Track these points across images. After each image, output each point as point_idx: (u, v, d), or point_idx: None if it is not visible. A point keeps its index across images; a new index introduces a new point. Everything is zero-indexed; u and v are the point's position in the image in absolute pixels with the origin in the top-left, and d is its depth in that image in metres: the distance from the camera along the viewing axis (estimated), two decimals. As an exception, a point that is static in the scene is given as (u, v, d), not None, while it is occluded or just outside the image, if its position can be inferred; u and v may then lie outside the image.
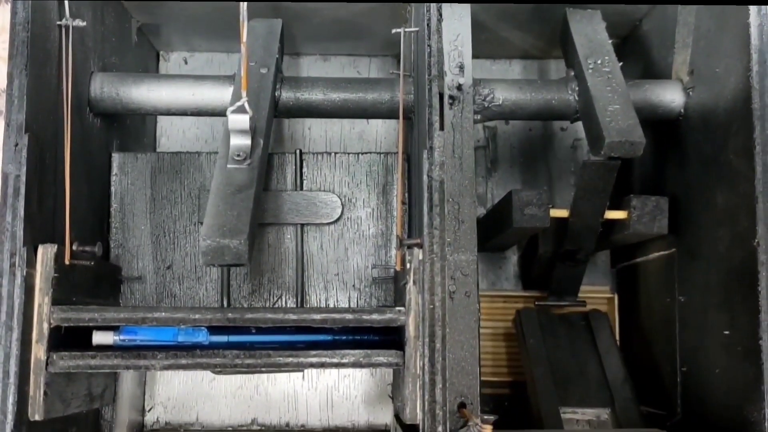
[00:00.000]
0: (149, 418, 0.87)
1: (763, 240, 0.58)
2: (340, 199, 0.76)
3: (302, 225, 0.76)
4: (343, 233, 0.76)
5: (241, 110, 0.60)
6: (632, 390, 0.73)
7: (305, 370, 0.90)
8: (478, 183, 0.93)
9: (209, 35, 0.85)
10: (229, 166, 0.61)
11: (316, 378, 0.90)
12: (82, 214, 0.69)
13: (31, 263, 0.57)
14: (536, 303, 0.82)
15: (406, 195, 0.74)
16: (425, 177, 0.59)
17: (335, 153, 0.77)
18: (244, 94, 0.60)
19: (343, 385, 0.87)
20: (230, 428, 0.87)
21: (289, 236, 0.76)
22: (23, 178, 0.57)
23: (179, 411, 0.89)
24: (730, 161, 0.63)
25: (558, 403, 0.71)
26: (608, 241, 0.76)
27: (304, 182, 0.76)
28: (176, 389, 0.89)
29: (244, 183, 0.60)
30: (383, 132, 0.92)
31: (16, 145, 0.57)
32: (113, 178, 0.76)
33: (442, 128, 0.60)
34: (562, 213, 0.73)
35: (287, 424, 0.88)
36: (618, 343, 0.82)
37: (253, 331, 0.64)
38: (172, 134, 0.90)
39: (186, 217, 0.76)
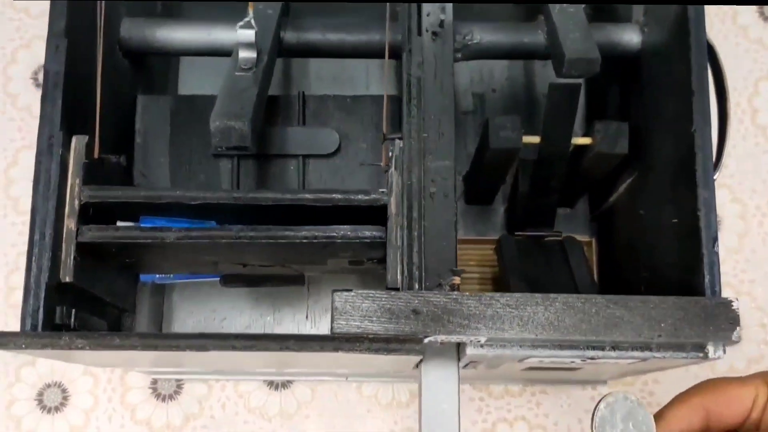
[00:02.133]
0: (165, 355, 0.95)
1: (699, 126, 0.67)
2: (339, 134, 0.85)
3: (304, 156, 0.85)
4: (341, 165, 0.85)
5: (248, 25, 0.71)
6: (597, 292, 0.80)
7: (308, 311, 0.98)
8: (467, 145, 1.02)
9: (231, 12, 0.95)
10: (236, 73, 0.71)
11: (318, 320, 0.98)
12: (111, 142, 0.78)
13: (66, 146, 0.67)
14: (515, 233, 0.89)
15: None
16: (404, 75, 0.69)
17: (334, 95, 0.87)
18: (250, 12, 0.70)
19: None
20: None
21: (292, 167, 0.85)
22: (62, 75, 0.67)
23: (193, 349, 0.96)
24: (673, 72, 0.72)
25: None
26: (579, 172, 0.84)
27: (307, 120, 0.86)
28: (190, 328, 0.97)
29: (248, 85, 0.70)
30: (376, 76, 1.02)
31: (57, 47, 0.67)
32: (138, 117, 0.86)
33: (419, 34, 0.70)
34: (534, 139, 0.82)
35: (291, 360, 0.95)
36: (593, 270, 0.90)
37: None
38: (192, 81, 1.00)
39: (200, 151, 0.86)
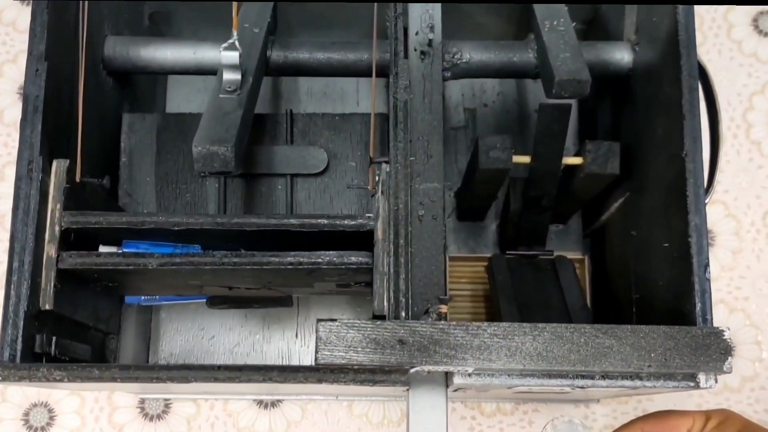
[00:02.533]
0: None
1: (689, 150, 0.66)
2: (327, 153, 0.84)
3: (292, 176, 0.84)
4: (329, 184, 0.84)
5: (232, 47, 0.69)
6: (589, 315, 0.79)
7: (297, 329, 0.97)
8: (457, 161, 1.01)
9: (217, 27, 0.94)
10: (220, 96, 0.70)
11: (308, 337, 0.97)
12: (95, 163, 0.77)
13: (46, 172, 0.66)
14: (507, 253, 0.88)
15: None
16: (391, 98, 0.68)
17: (322, 113, 0.86)
18: (234, 33, 0.69)
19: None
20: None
21: (280, 186, 0.84)
22: (42, 99, 0.66)
23: (180, 366, 0.95)
24: (664, 93, 0.71)
25: (521, 325, 0.77)
26: (571, 191, 0.83)
27: (295, 138, 0.85)
28: (178, 346, 0.96)
29: (233, 108, 0.69)
30: (366, 92, 1.01)
31: (37, 70, 0.66)
32: (123, 136, 0.85)
33: (406, 57, 0.69)
34: (524, 159, 0.81)
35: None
36: (584, 290, 0.89)
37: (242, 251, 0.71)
38: (179, 100, 0.99)
39: (186, 170, 0.84)
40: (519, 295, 0.82)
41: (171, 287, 0.77)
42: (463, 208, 0.96)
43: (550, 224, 0.89)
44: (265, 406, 0.98)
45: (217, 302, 0.84)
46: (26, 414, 0.97)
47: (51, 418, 0.97)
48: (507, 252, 0.90)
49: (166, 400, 0.98)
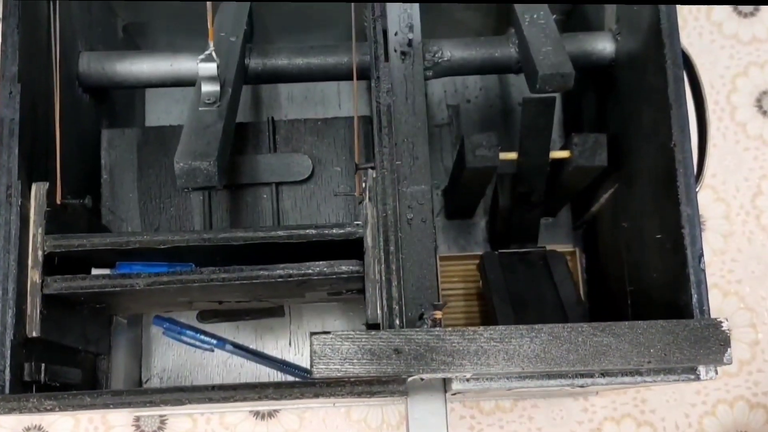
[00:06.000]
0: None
1: (678, 141, 0.65)
2: (311, 159, 0.83)
3: (277, 184, 0.82)
4: (315, 191, 0.83)
5: (209, 58, 0.68)
6: (585, 311, 0.79)
7: (290, 337, 0.96)
8: (443, 158, 1.00)
9: (193, 36, 0.92)
10: (200, 108, 0.69)
11: (302, 345, 0.96)
12: (75, 182, 0.76)
13: (25, 196, 0.64)
14: (499, 251, 0.88)
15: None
16: (374, 102, 0.66)
17: (305, 119, 0.84)
18: (211, 44, 0.68)
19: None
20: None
21: (265, 195, 0.83)
22: (17, 121, 0.64)
23: (174, 381, 0.94)
24: (649, 82, 0.70)
25: (516, 324, 0.76)
26: (559, 185, 0.83)
27: (278, 146, 0.83)
28: (171, 361, 0.95)
29: (213, 120, 0.68)
30: (348, 94, 0.99)
31: (11, 93, 0.65)
32: (103, 152, 0.84)
33: (386, 59, 0.68)
34: (511, 156, 0.80)
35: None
36: (578, 284, 0.89)
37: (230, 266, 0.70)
38: (158, 112, 0.98)
39: (169, 184, 0.83)
40: (512, 292, 0.81)
41: (160, 305, 0.76)
42: (451, 206, 0.95)
43: (540, 219, 0.88)
44: (262, 417, 0.97)
45: (207, 316, 0.83)
46: (20, 438, 0.95)
47: (45, 441, 0.95)
48: (499, 250, 0.89)
49: (161, 416, 0.96)
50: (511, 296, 0.80)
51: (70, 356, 0.70)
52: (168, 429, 0.96)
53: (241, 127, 0.82)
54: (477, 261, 0.92)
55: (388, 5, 0.71)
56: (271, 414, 0.97)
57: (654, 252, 0.70)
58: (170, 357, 0.95)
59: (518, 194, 0.83)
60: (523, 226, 0.86)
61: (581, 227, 0.95)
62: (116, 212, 0.82)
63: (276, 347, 0.96)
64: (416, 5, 0.71)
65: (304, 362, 0.96)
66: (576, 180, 0.81)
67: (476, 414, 0.97)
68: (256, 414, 0.97)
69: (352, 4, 0.76)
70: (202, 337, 0.92)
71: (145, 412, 0.95)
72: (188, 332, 0.92)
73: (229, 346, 0.92)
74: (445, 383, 0.64)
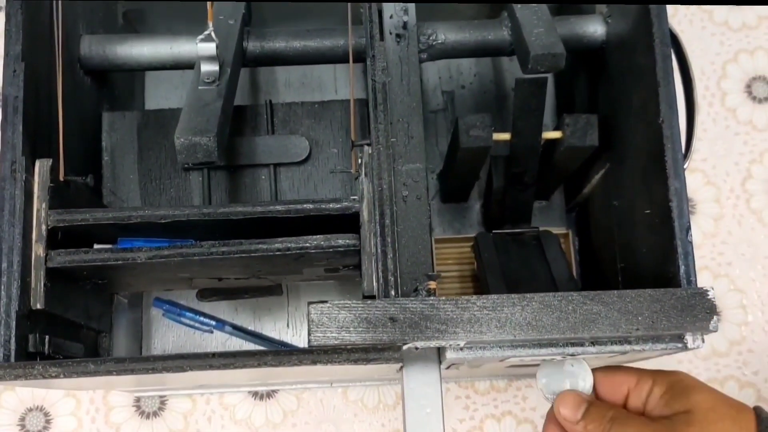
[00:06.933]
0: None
1: (666, 117, 0.67)
2: (309, 141, 0.84)
3: (275, 165, 0.84)
4: (312, 172, 0.85)
5: (208, 38, 0.70)
6: (577, 287, 0.80)
7: (288, 319, 0.97)
8: (438, 143, 1.01)
9: (192, 21, 0.93)
10: (199, 87, 0.71)
11: (300, 326, 0.98)
12: (77, 163, 0.77)
13: (29, 171, 0.66)
14: (493, 232, 0.89)
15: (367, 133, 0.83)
16: (369, 81, 0.68)
17: (302, 102, 0.86)
18: (210, 24, 0.69)
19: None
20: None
21: (263, 176, 0.84)
22: (21, 99, 0.66)
23: (174, 362, 0.95)
24: (638, 63, 0.72)
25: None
26: (551, 166, 0.84)
27: (276, 128, 0.85)
28: (171, 342, 0.96)
29: (212, 99, 0.69)
30: (344, 80, 1.01)
31: (15, 71, 0.66)
32: (104, 134, 0.85)
33: (381, 39, 0.69)
34: (504, 136, 0.81)
35: (274, 370, 0.95)
36: (571, 264, 0.90)
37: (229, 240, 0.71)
38: (157, 97, 0.99)
39: (169, 165, 0.85)
40: (506, 271, 0.83)
41: (161, 282, 0.77)
42: (446, 189, 0.97)
43: (533, 201, 0.89)
44: (261, 398, 0.98)
45: (207, 295, 0.84)
46: (22, 419, 0.97)
47: (47, 421, 0.97)
48: (493, 231, 0.91)
49: (161, 397, 0.98)
50: (505, 274, 0.82)
51: (72, 331, 0.72)
52: (168, 409, 0.97)
53: (240, 110, 0.84)
54: (471, 243, 0.93)
55: (384, -9, 0.72)
56: (269, 395, 0.98)
57: (644, 228, 0.72)
58: (170, 338, 0.96)
59: (512, 175, 0.84)
60: (516, 207, 0.88)
61: (574, 209, 0.96)
62: (117, 193, 0.84)
63: (274, 328, 0.97)
64: (411, -11, 0.73)
65: (302, 343, 0.97)
66: (568, 160, 0.83)
67: (471, 394, 0.99)
68: (255, 395, 0.98)
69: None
70: (202, 318, 0.94)
71: (145, 392, 0.96)
72: (188, 314, 0.94)
73: (228, 328, 0.94)
74: (440, 354, 0.65)
